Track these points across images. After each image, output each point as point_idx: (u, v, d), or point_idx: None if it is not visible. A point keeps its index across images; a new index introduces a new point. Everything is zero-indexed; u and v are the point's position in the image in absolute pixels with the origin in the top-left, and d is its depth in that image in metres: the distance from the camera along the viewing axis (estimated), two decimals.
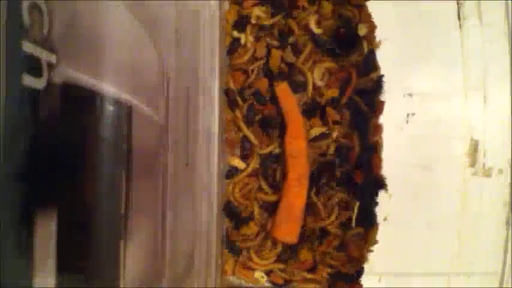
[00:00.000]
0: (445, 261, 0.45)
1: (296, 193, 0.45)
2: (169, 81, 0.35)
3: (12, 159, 0.16)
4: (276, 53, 0.46)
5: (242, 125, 0.46)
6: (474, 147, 0.45)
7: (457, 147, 0.46)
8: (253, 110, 0.46)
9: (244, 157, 0.46)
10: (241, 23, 0.46)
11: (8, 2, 0.16)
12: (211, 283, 0.40)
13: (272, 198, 0.46)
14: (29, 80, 0.17)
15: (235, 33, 0.46)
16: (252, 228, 0.46)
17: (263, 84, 0.46)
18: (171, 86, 0.35)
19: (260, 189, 0.46)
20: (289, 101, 0.46)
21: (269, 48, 0.46)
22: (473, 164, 0.45)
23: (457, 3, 0.45)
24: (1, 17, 0.14)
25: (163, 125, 0.35)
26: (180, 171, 0.37)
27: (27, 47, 0.17)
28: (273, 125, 0.46)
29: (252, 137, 0.46)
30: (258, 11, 0.46)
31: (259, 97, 0.46)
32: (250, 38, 0.46)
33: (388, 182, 0.45)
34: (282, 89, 0.46)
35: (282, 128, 0.46)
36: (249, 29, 0.46)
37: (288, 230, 0.45)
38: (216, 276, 0.40)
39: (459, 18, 0.45)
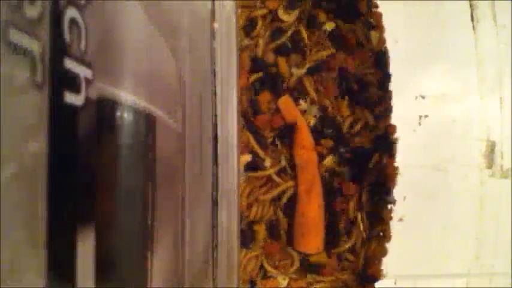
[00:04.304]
0: (464, 262, 0.45)
1: (307, 204, 0.44)
2: (185, 88, 0.35)
3: (58, 179, 0.16)
4: (282, 61, 0.45)
5: (252, 141, 0.44)
6: (491, 149, 0.45)
7: (473, 149, 0.46)
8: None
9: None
10: (250, 27, 0.45)
11: (50, 19, 0.16)
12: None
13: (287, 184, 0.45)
14: (70, 97, 0.16)
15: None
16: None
17: (265, 97, 0.45)
18: (186, 94, 0.35)
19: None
20: (293, 113, 0.45)
21: (276, 56, 0.45)
22: (490, 165, 0.45)
23: (470, 5, 0.45)
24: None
25: (180, 133, 0.35)
26: (196, 179, 0.37)
27: (68, 63, 0.16)
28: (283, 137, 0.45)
29: (259, 150, 0.44)
30: (281, 13, 0.45)
31: (255, 105, 0.45)
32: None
33: (401, 183, 0.45)
34: (284, 101, 0.45)
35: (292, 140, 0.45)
36: (257, 31, 0.45)
37: (305, 240, 0.44)
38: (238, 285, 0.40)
39: (472, 19, 0.45)
